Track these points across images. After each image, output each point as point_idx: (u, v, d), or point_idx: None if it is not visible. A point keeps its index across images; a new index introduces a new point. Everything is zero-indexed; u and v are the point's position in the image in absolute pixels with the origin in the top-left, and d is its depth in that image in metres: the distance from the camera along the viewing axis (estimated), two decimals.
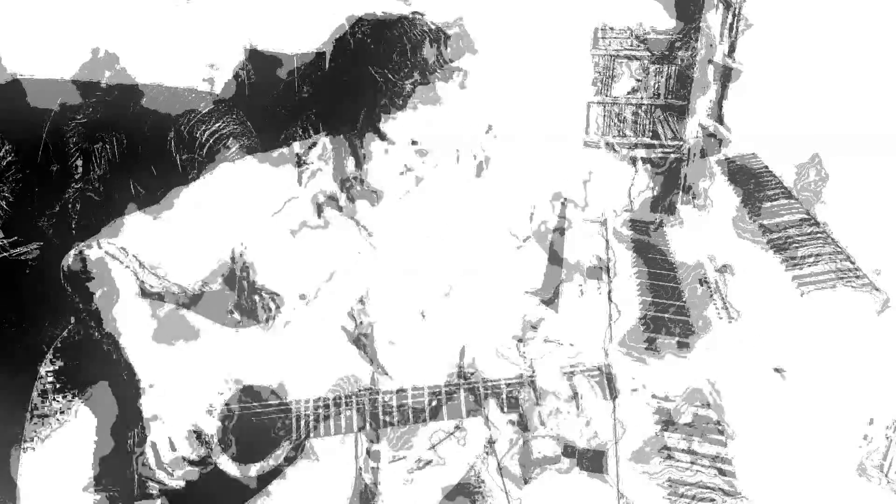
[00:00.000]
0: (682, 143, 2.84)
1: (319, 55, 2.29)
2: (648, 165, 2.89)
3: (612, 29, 2.82)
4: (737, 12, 2.62)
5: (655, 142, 2.89)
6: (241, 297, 1.71)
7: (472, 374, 1.68)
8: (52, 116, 2.30)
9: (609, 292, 2.36)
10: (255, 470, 1.59)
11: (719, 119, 2.75)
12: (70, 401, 1.61)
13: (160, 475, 1.53)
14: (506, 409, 1.61)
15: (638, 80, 2.87)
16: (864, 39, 2.20)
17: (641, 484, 1.91)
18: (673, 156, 2.86)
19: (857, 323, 1.99)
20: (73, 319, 1.65)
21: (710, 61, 2.75)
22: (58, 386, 1.62)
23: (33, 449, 1.59)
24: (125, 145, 2.34)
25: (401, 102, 1.55)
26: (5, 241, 2.32)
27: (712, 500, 1.88)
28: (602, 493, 1.93)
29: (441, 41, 1.55)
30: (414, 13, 1.59)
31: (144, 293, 1.63)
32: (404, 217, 1.72)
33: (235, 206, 1.67)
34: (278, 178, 1.70)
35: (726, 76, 2.71)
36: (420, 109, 1.57)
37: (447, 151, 1.61)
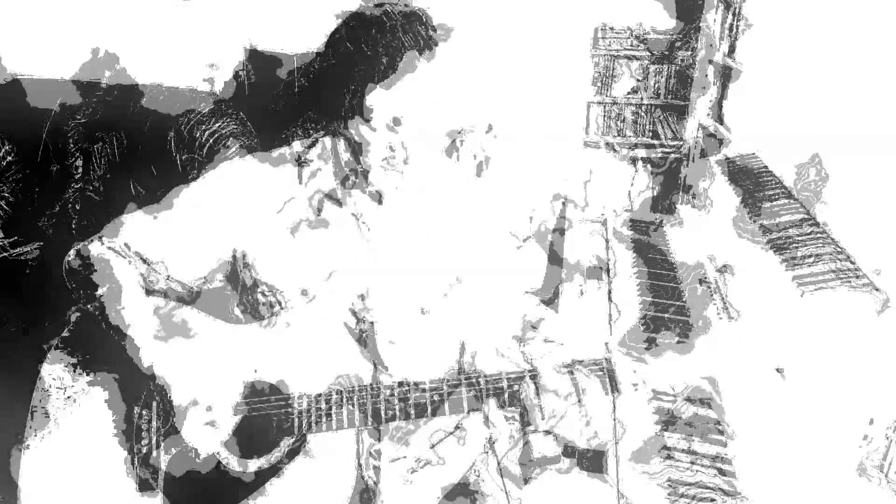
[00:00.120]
0: (682, 143, 2.84)
1: (319, 55, 2.29)
2: (648, 165, 2.89)
3: (612, 29, 2.82)
4: (737, 12, 2.63)
5: (655, 142, 2.89)
6: (243, 295, 1.71)
7: (473, 371, 1.68)
8: (52, 116, 2.30)
9: (609, 292, 2.36)
10: (255, 465, 1.59)
11: (719, 119, 2.75)
12: (73, 397, 1.61)
13: (207, 432, 1.55)
14: (507, 405, 1.61)
15: (638, 80, 2.87)
16: (864, 39, 2.20)
17: (641, 484, 1.91)
18: (673, 156, 2.86)
19: (857, 323, 1.99)
20: (75, 317, 1.66)
21: (710, 61, 2.75)
22: (60, 383, 1.62)
23: (34, 448, 1.59)
24: (125, 145, 2.34)
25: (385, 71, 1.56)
26: (5, 241, 2.32)
27: (712, 500, 1.88)
28: (602, 493, 1.93)
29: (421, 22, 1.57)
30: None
31: (147, 291, 1.63)
32: (404, 217, 1.72)
33: (236, 205, 1.67)
34: (278, 178, 1.70)
35: (726, 76, 2.71)
36: (403, 88, 1.58)
37: (433, 130, 1.61)
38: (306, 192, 1.70)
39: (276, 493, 1.59)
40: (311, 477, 1.60)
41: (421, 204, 1.72)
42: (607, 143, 2.90)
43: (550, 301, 2.30)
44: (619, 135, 2.92)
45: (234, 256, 1.69)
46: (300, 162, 1.71)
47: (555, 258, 2.38)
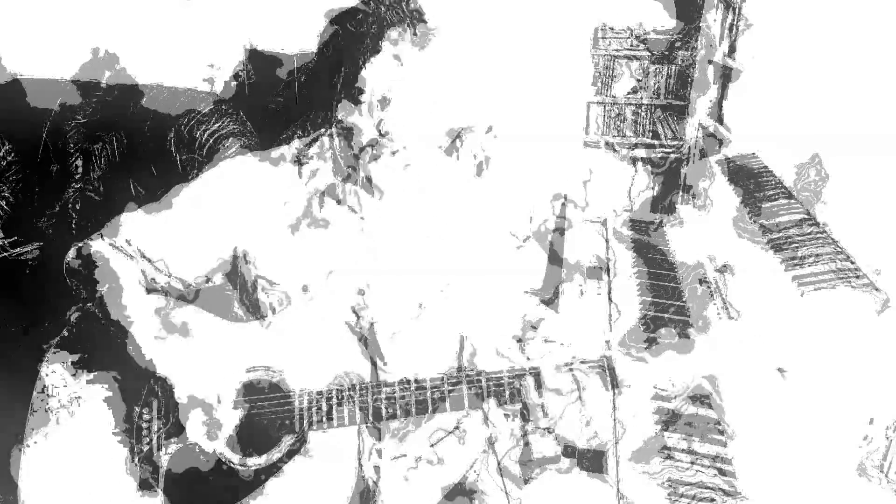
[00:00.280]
0: (682, 143, 2.84)
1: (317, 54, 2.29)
2: (648, 165, 2.89)
3: (612, 29, 2.82)
4: (737, 12, 2.63)
5: (655, 142, 2.89)
6: (243, 294, 1.71)
7: (473, 369, 1.68)
8: (52, 116, 2.30)
9: (609, 292, 2.37)
10: (255, 464, 1.59)
11: (719, 119, 2.75)
12: (73, 396, 1.62)
13: (211, 435, 1.56)
14: (507, 402, 1.61)
15: (638, 80, 2.87)
16: (864, 39, 2.20)
17: (641, 484, 1.91)
18: (673, 156, 2.86)
19: (857, 323, 1.99)
20: (76, 316, 1.66)
21: (710, 61, 2.75)
22: (60, 382, 1.62)
23: (34, 448, 1.59)
24: (125, 145, 2.35)
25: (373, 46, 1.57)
26: (5, 241, 2.32)
27: (712, 500, 1.88)
28: (602, 493, 1.93)
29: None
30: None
31: (148, 290, 1.63)
32: (404, 217, 1.72)
33: (236, 203, 1.67)
34: (278, 176, 1.70)
35: (726, 76, 2.71)
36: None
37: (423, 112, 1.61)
38: (306, 190, 1.70)
39: (276, 493, 1.59)
40: (311, 476, 1.61)
41: (421, 204, 1.72)
42: (607, 143, 2.90)
43: (550, 301, 2.30)
44: (618, 135, 2.92)
45: (234, 255, 1.69)
46: (300, 161, 1.71)
47: (555, 258, 2.38)
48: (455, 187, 1.74)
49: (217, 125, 2.34)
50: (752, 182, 2.63)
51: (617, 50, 2.85)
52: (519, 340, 1.79)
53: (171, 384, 1.56)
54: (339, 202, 1.69)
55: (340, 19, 1.62)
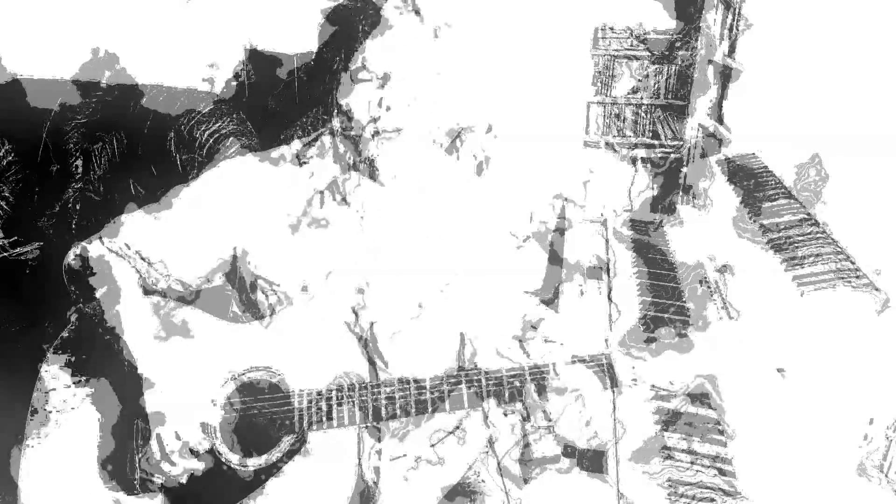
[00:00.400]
0: (682, 143, 2.84)
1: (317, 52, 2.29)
2: (648, 165, 2.89)
3: (612, 29, 2.82)
4: (737, 12, 2.63)
5: (655, 142, 2.89)
6: (243, 294, 1.71)
7: (473, 368, 1.68)
8: (52, 116, 2.30)
9: (609, 292, 2.37)
10: (255, 464, 1.59)
11: (719, 119, 2.75)
12: (73, 397, 1.62)
13: (165, 466, 1.54)
14: (507, 401, 1.61)
15: (638, 81, 2.87)
16: (864, 39, 2.20)
17: (641, 484, 1.91)
18: (673, 156, 2.86)
19: (857, 323, 1.99)
20: (75, 317, 1.66)
21: (710, 61, 2.75)
22: (60, 383, 1.62)
23: (34, 448, 1.59)
24: (125, 145, 2.35)
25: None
26: (5, 241, 2.32)
27: (712, 500, 1.88)
28: (602, 493, 1.93)
29: None
30: None
31: (147, 291, 1.63)
32: (404, 216, 1.72)
33: (236, 204, 1.67)
34: (278, 176, 1.70)
35: (726, 76, 2.71)
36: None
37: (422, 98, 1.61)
38: (306, 190, 1.70)
39: (276, 493, 1.59)
40: (310, 476, 1.61)
41: (421, 204, 1.72)
42: (607, 143, 2.90)
43: (550, 301, 2.30)
44: (618, 135, 2.92)
45: (233, 255, 1.69)
46: (300, 161, 1.71)
47: (555, 258, 2.38)
48: (455, 187, 1.74)
49: (217, 125, 2.34)
50: (752, 182, 2.63)
51: (617, 50, 2.85)
52: (519, 340, 1.79)
53: (147, 418, 1.56)
54: (342, 200, 1.69)
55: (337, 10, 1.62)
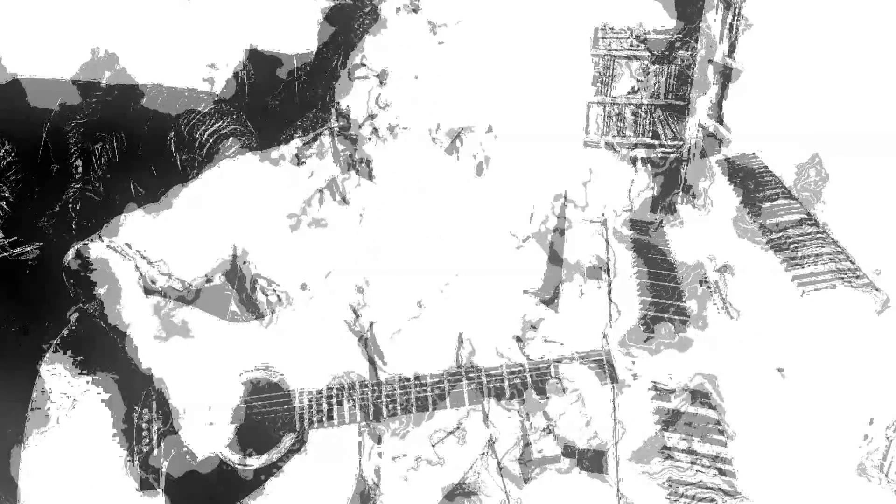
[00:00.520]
0: (682, 143, 2.84)
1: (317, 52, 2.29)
2: (648, 165, 2.89)
3: (612, 29, 2.82)
4: (737, 12, 2.63)
5: (655, 142, 2.89)
6: (243, 293, 1.71)
7: (472, 365, 1.68)
8: (52, 116, 2.30)
9: (609, 292, 2.37)
10: (255, 463, 1.59)
11: (719, 119, 2.75)
12: (73, 397, 1.62)
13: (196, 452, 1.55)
14: (508, 399, 1.61)
15: (638, 81, 2.87)
16: (864, 39, 2.20)
17: (641, 484, 1.91)
18: (673, 156, 2.86)
19: (857, 323, 1.99)
20: (75, 316, 1.66)
21: (710, 61, 2.75)
22: (60, 382, 1.62)
23: (34, 447, 1.59)
24: (125, 145, 2.35)
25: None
26: (5, 241, 2.32)
27: (712, 500, 1.88)
28: (602, 493, 1.93)
29: None
30: None
31: (147, 290, 1.63)
32: (404, 216, 1.72)
33: (235, 203, 1.67)
34: (278, 176, 1.70)
35: (726, 76, 2.71)
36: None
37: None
38: (306, 190, 1.70)
39: (276, 493, 1.59)
40: (310, 476, 1.61)
41: (421, 204, 1.72)
42: (607, 143, 2.90)
43: (550, 301, 2.30)
44: (618, 135, 2.92)
45: (233, 255, 1.69)
46: (299, 160, 1.71)
47: (555, 258, 2.38)
48: (455, 187, 1.74)
49: (217, 125, 2.34)
50: (752, 182, 2.63)
51: (617, 50, 2.85)
52: (519, 340, 1.79)
53: (166, 388, 1.55)
54: (342, 199, 1.69)
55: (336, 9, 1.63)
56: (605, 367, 1.59)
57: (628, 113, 2.91)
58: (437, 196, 1.72)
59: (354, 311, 1.68)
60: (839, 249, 2.22)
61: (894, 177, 2.10)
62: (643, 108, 2.90)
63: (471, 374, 1.61)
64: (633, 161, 2.88)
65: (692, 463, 1.94)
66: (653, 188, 2.86)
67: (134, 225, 1.65)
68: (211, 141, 2.33)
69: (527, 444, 1.89)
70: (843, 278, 2.12)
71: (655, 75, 2.84)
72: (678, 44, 2.77)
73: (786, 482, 1.87)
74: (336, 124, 1.64)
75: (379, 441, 1.69)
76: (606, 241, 2.57)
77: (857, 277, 2.10)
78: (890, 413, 1.93)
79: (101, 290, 1.60)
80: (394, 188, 1.69)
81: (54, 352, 1.64)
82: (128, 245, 1.62)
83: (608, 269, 2.45)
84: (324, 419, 1.60)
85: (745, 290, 2.21)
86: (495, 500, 1.82)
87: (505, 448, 1.82)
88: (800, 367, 1.79)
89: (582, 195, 2.55)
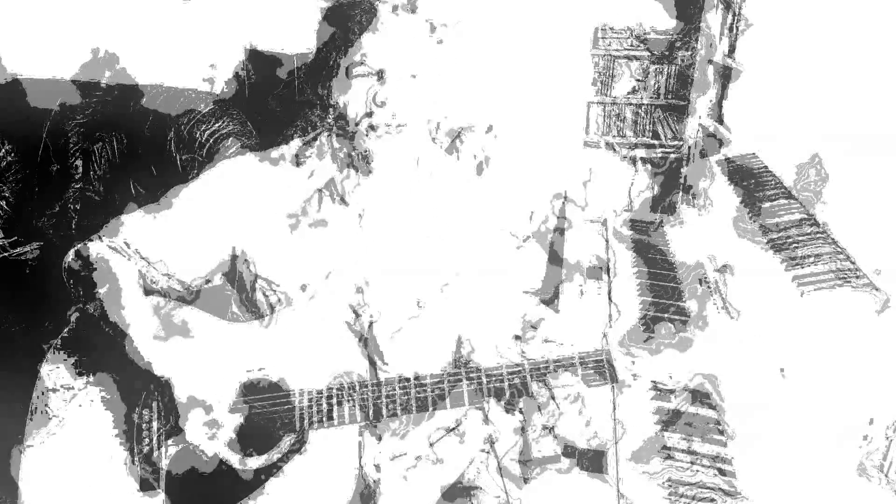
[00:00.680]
0: (682, 143, 2.84)
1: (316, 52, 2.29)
2: (648, 165, 2.89)
3: (612, 29, 2.82)
4: (737, 12, 2.63)
5: (655, 142, 2.89)
6: (243, 293, 1.71)
7: (469, 361, 1.68)
8: (52, 116, 2.30)
9: (609, 292, 2.37)
10: (256, 463, 1.59)
11: (719, 119, 2.75)
12: (73, 397, 1.62)
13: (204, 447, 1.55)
14: (507, 399, 1.61)
15: (638, 81, 2.87)
16: (864, 39, 2.20)
17: (641, 484, 1.91)
18: (673, 156, 2.86)
19: (857, 323, 1.99)
20: (75, 317, 1.66)
21: (710, 61, 2.75)
22: (60, 383, 1.62)
23: (34, 448, 1.59)
24: (125, 145, 2.34)
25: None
26: (5, 241, 2.32)
27: (712, 500, 1.88)
28: (602, 493, 1.93)
29: None
30: None
31: (147, 290, 1.63)
32: (404, 216, 1.72)
33: (235, 203, 1.67)
34: (278, 176, 1.70)
35: (726, 76, 2.71)
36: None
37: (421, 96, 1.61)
38: (305, 190, 1.70)
39: (276, 493, 1.59)
40: (311, 476, 1.61)
41: (421, 204, 1.72)
42: (607, 143, 2.90)
43: (550, 301, 2.30)
44: (618, 135, 2.92)
45: (233, 255, 1.69)
46: (298, 161, 1.71)
47: (555, 258, 2.38)
48: (455, 187, 1.74)
49: (217, 125, 2.34)
50: (752, 182, 2.63)
51: (617, 50, 2.85)
52: (519, 340, 1.79)
53: (171, 385, 1.56)
54: (341, 200, 1.69)
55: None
56: (605, 367, 1.59)
57: (628, 113, 2.91)
58: (437, 196, 1.72)
59: (354, 311, 1.68)
60: (839, 249, 2.22)
61: (894, 177, 2.10)
62: (643, 108, 2.90)
63: (471, 375, 1.61)
64: (633, 161, 2.88)
65: (692, 463, 1.94)
66: (653, 188, 2.86)
67: (134, 225, 1.65)
68: (211, 141, 2.33)
69: (527, 444, 1.89)
70: (843, 278, 2.12)
71: (655, 75, 2.85)
72: (678, 44, 2.77)
73: (786, 482, 1.87)
74: (333, 122, 1.64)
75: (379, 439, 1.69)
76: (606, 241, 2.57)
77: (857, 277, 2.10)
78: (890, 413, 1.92)
79: (101, 291, 1.60)
80: (394, 188, 1.69)
81: (55, 352, 1.64)
82: (126, 244, 1.62)
83: (608, 269, 2.45)
84: (324, 419, 1.60)
85: (745, 290, 2.21)
86: (495, 500, 1.82)
87: (505, 448, 1.82)
88: (800, 367, 1.79)
89: (582, 195, 2.55)
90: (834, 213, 2.30)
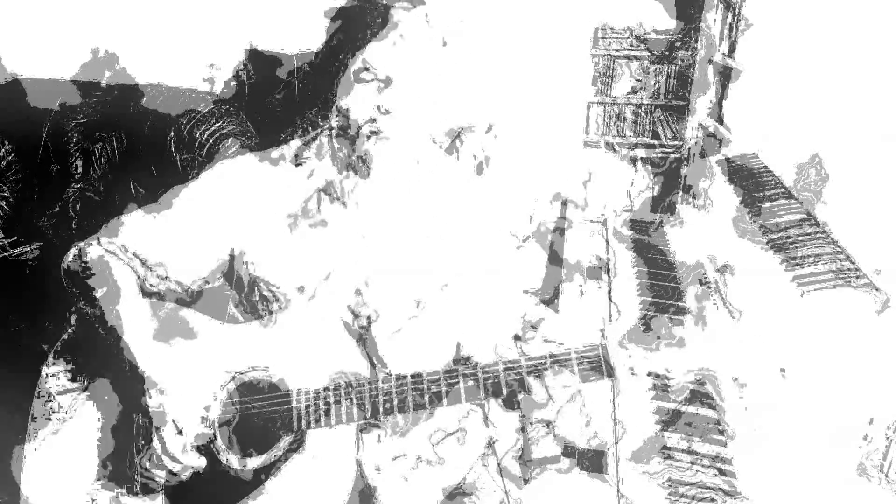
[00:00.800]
0: (682, 143, 2.84)
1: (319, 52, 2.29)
2: (648, 165, 2.89)
3: (612, 29, 2.82)
4: (737, 12, 2.62)
5: (655, 142, 2.89)
6: (242, 294, 1.71)
7: (468, 359, 1.68)
8: (52, 116, 2.30)
9: (609, 292, 2.36)
10: (255, 463, 1.59)
11: (719, 119, 2.75)
12: (74, 399, 1.62)
13: (167, 462, 1.54)
14: (505, 397, 1.61)
15: (638, 81, 2.87)
16: (864, 39, 2.20)
17: (641, 484, 1.91)
18: (673, 156, 2.86)
19: (857, 323, 1.99)
20: (75, 318, 1.66)
21: (710, 61, 2.75)
22: (61, 385, 1.63)
23: (35, 448, 1.59)
24: (125, 145, 2.34)
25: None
26: (5, 241, 2.32)
27: (712, 500, 1.88)
28: (602, 493, 1.93)
29: None
30: None
31: (145, 292, 1.63)
32: (404, 217, 1.72)
33: (235, 203, 1.67)
34: (278, 176, 1.70)
35: (726, 76, 2.71)
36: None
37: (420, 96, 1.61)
38: (305, 190, 1.70)
39: (276, 492, 1.59)
40: (310, 476, 1.61)
41: (421, 204, 1.72)
42: (607, 143, 2.90)
43: (550, 301, 2.30)
44: (618, 135, 2.92)
45: (232, 256, 1.69)
46: (298, 161, 1.71)
47: (555, 258, 2.38)
48: (455, 187, 1.74)
49: (217, 125, 2.34)
50: (752, 182, 2.63)
51: (617, 50, 2.85)
52: (519, 340, 1.79)
53: (151, 418, 1.55)
54: (338, 200, 1.69)
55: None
56: (601, 362, 1.58)
57: (628, 113, 2.91)
58: (438, 196, 1.72)
59: (353, 312, 1.68)
60: (839, 249, 2.22)
61: (894, 177, 2.10)
62: (643, 108, 2.90)
63: (467, 372, 1.61)
64: (633, 161, 2.88)
65: (692, 463, 1.94)
66: (653, 188, 2.86)
67: (134, 225, 1.65)
68: (211, 141, 2.33)
69: (527, 444, 1.89)
70: (843, 278, 2.12)
71: (655, 75, 2.85)
72: (678, 44, 2.77)
73: (786, 482, 1.87)
74: (335, 123, 1.64)
75: (379, 439, 1.69)
76: (606, 241, 2.57)
77: (857, 277, 2.10)
78: (890, 413, 1.93)
79: (100, 292, 1.60)
80: (394, 188, 1.69)
81: (55, 356, 1.65)
82: (124, 247, 1.62)
83: (608, 269, 2.45)
84: (321, 419, 1.60)
85: (745, 290, 2.21)
86: (495, 500, 1.82)
87: (505, 448, 1.82)
88: (800, 367, 1.79)
89: (582, 195, 2.55)
90: (834, 213, 2.30)
